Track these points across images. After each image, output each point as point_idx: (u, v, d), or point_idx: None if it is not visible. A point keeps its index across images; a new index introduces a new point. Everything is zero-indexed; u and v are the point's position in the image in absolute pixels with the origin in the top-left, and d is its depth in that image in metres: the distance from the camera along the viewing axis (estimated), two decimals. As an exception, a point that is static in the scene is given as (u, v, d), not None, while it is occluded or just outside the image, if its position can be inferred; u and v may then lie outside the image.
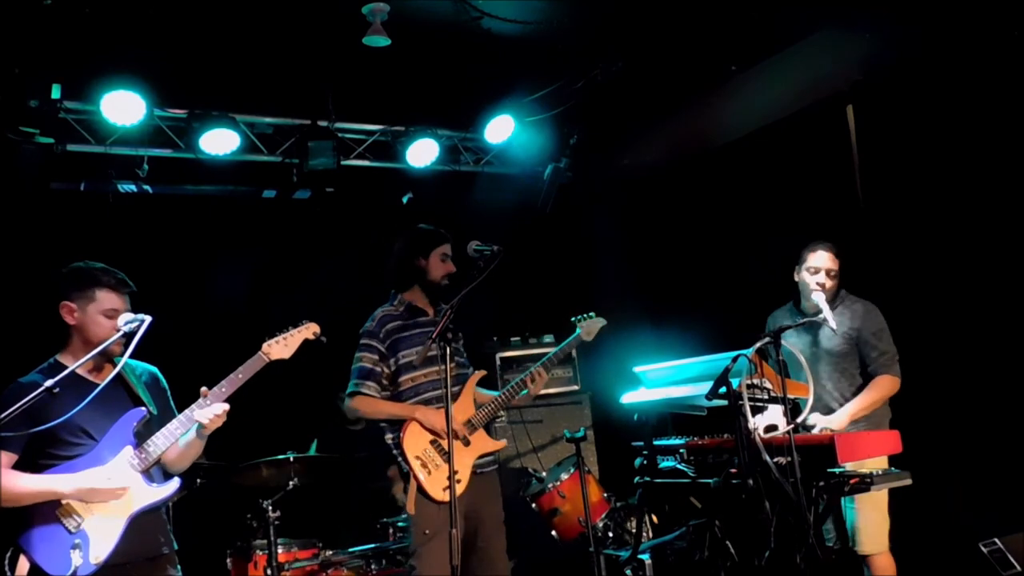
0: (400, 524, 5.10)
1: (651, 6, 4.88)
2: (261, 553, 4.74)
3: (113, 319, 3.13)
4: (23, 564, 2.96)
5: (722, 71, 5.40)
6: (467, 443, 4.03)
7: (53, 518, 3.01)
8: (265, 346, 3.37)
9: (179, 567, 3.33)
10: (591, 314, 4.49)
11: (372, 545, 5.06)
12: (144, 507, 3.13)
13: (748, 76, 5.36)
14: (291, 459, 4.67)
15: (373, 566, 4.93)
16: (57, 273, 3.19)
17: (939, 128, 4.73)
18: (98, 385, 3.03)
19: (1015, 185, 4.44)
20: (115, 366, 3.05)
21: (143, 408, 3.22)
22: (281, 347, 3.40)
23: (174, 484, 3.22)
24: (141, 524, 3.14)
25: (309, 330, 3.51)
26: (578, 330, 4.43)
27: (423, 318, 4.13)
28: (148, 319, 3.07)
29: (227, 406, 3.19)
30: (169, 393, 3.45)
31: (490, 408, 4.11)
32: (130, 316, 3.11)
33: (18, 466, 3.04)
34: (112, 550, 3.03)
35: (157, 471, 3.25)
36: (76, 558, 2.94)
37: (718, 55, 5.25)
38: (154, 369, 3.46)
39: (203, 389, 3.20)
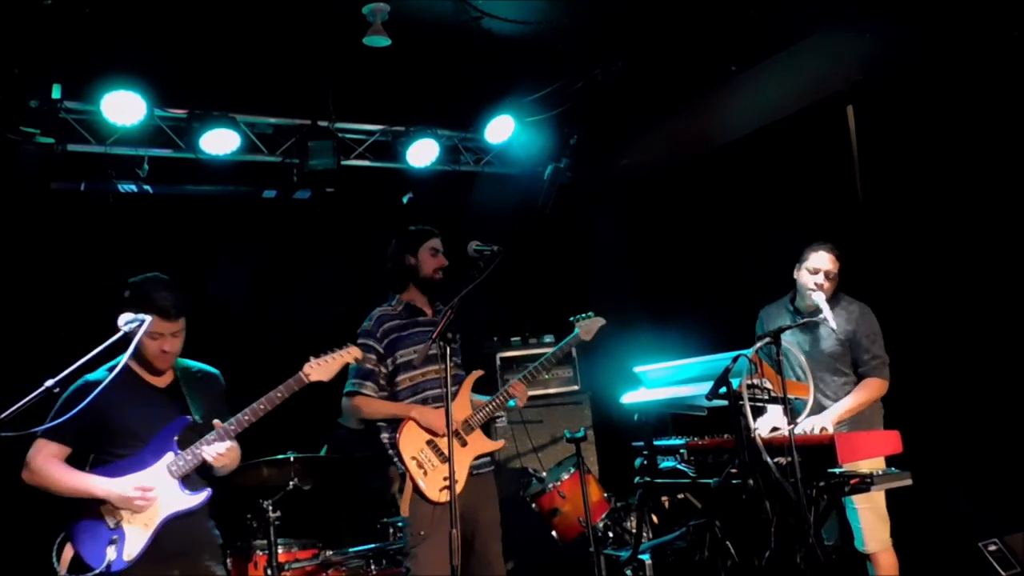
0: (399, 524, 5.09)
1: (651, 6, 4.88)
2: (261, 553, 4.73)
3: (157, 340, 3.26)
4: (68, 552, 3.17)
5: (722, 71, 5.39)
6: (464, 444, 4.01)
7: (97, 514, 3.21)
8: (307, 366, 3.48)
9: (224, 563, 3.52)
10: (590, 313, 4.50)
11: (372, 545, 5.05)
12: (174, 513, 3.28)
13: (748, 76, 5.36)
14: (291, 459, 4.66)
15: (373, 566, 4.92)
16: (128, 284, 3.31)
17: (939, 128, 4.73)
18: (156, 388, 3.33)
19: (1015, 185, 4.44)
20: (173, 372, 3.35)
21: (188, 417, 3.34)
22: (322, 369, 3.50)
23: (204, 494, 3.36)
24: (178, 525, 3.28)
25: (351, 354, 3.60)
26: (576, 330, 4.43)
27: (422, 318, 4.13)
28: (148, 319, 3.16)
29: (229, 445, 3.32)
30: (224, 394, 3.56)
31: (488, 409, 4.11)
32: (130, 316, 3.18)
33: (74, 457, 3.25)
34: (143, 549, 3.19)
35: (194, 477, 3.37)
36: (111, 553, 3.13)
37: (718, 55, 5.25)
38: (214, 371, 3.58)
39: (215, 422, 3.32)
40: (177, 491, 3.29)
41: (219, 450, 3.29)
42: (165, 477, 3.27)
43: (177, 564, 3.27)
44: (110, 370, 3.27)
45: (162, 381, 3.39)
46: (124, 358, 3.16)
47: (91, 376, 3.21)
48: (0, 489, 3.68)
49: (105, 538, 3.16)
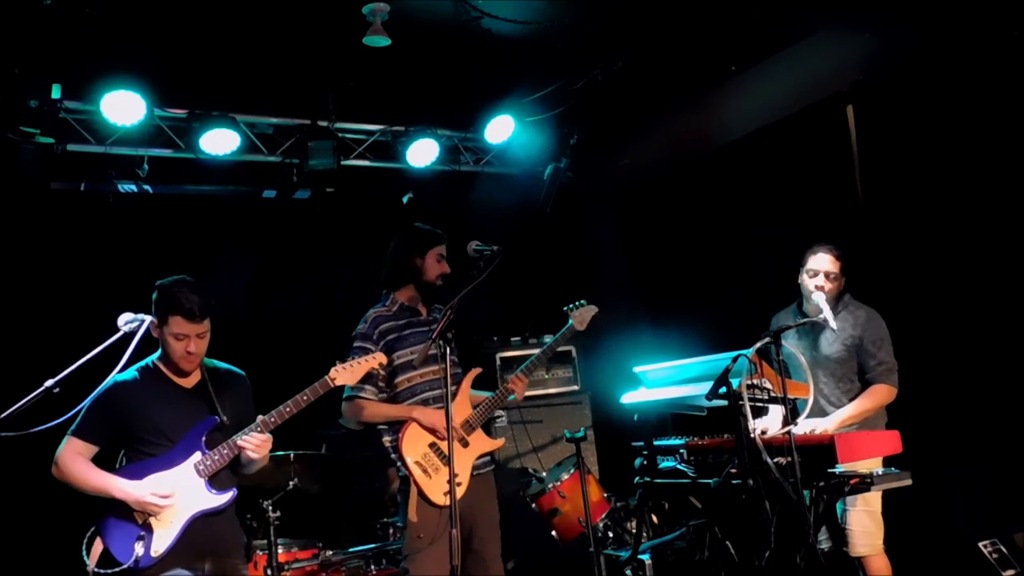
0: (398, 523, 5.09)
1: (651, 6, 4.88)
2: (261, 553, 4.73)
3: (183, 341, 3.30)
4: (98, 546, 3.25)
5: (722, 71, 5.40)
6: (465, 444, 4.01)
7: (126, 510, 3.27)
8: (333, 371, 3.54)
9: (247, 563, 3.55)
10: (583, 302, 4.40)
11: (372, 545, 5.05)
12: (200, 512, 3.33)
13: (748, 76, 5.36)
14: (291, 459, 4.67)
15: (373, 566, 4.92)
16: (158, 286, 3.36)
17: (939, 128, 4.72)
18: (183, 388, 3.39)
19: (1015, 185, 4.44)
20: (200, 372, 3.40)
21: (216, 417, 3.39)
22: (347, 374, 3.56)
23: (229, 494, 3.42)
24: (205, 523, 3.34)
25: (376, 360, 3.69)
26: (571, 320, 4.33)
27: (417, 318, 4.11)
28: (148, 319, 3.22)
29: (265, 436, 3.39)
30: (250, 395, 3.60)
31: (486, 407, 4.10)
32: (130, 316, 3.21)
33: (106, 454, 3.33)
34: (170, 546, 3.26)
35: (221, 477, 3.41)
36: (139, 549, 3.21)
37: (718, 55, 5.25)
38: (240, 372, 3.62)
39: (260, 417, 3.39)
40: (203, 491, 3.35)
41: (255, 441, 3.35)
42: (192, 477, 3.33)
43: (207, 560, 3.34)
44: (139, 371, 3.36)
45: (189, 381, 3.43)
46: (153, 358, 3.36)
47: (119, 377, 3.27)
48: (33, 484, 3.74)
49: (133, 534, 3.24)
